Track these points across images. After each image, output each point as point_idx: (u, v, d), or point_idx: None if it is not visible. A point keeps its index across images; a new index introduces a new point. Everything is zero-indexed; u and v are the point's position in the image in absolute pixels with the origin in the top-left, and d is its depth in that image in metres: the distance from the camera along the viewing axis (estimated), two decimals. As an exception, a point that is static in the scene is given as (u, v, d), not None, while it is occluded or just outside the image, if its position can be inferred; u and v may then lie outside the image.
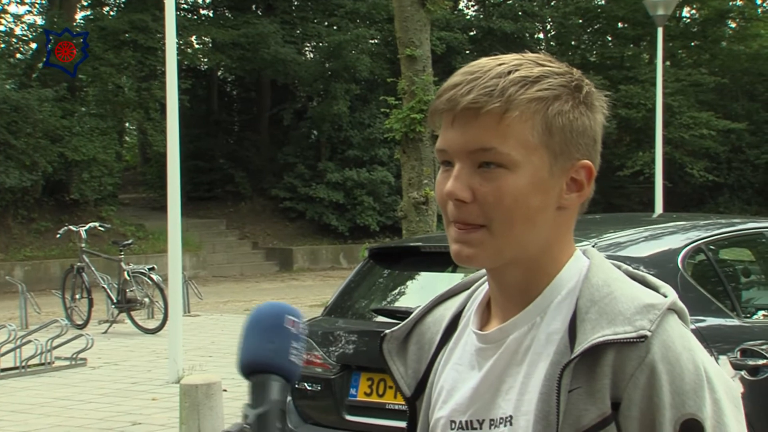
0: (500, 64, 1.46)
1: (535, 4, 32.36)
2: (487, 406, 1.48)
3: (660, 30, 19.86)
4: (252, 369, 1.40)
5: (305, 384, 5.13)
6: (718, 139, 29.55)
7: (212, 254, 24.60)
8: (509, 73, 1.44)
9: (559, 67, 1.49)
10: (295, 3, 29.65)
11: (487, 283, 1.57)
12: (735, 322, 4.66)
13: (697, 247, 4.73)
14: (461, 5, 32.47)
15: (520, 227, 1.44)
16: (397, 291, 5.37)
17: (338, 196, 26.68)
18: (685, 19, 32.96)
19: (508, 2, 32.21)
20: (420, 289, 5.31)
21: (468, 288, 1.64)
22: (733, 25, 35.17)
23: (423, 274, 5.35)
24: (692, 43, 33.67)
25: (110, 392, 10.01)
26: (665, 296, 1.45)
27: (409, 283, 5.40)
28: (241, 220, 27.45)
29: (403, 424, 5.02)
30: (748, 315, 4.91)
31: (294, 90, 29.91)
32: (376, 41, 29.23)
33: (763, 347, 4.61)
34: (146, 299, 14.33)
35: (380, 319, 5.03)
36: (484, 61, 1.48)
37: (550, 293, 1.47)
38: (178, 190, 10.66)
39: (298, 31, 28.88)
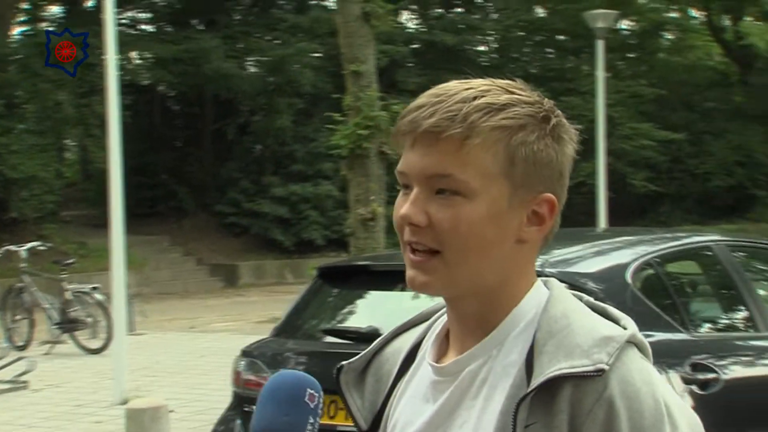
0: (467, 89, 1.42)
1: (476, 17, 32.57)
2: None
3: (601, 42, 20.05)
4: None
5: (254, 407, 5.05)
6: (659, 149, 29.93)
7: (156, 271, 24.33)
8: (475, 98, 1.40)
9: (529, 96, 1.45)
10: (237, 18, 29.54)
11: (445, 314, 1.53)
12: (684, 336, 4.68)
13: (645, 261, 4.76)
14: (403, 18, 32.57)
15: (475, 257, 1.40)
16: (347, 310, 5.33)
17: (283, 211, 26.57)
18: (623, 31, 33.34)
19: (449, 15, 32.39)
20: (370, 308, 5.27)
21: (427, 319, 1.60)
22: (670, 36, 35.73)
23: (373, 292, 5.32)
24: (631, 55, 34.10)
25: (53, 416, 9.82)
26: (625, 328, 1.41)
27: (359, 302, 5.36)
28: (184, 236, 27.21)
29: (354, 446, 4.97)
30: (697, 329, 4.94)
31: (237, 104, 29.76)
32: (318, 55, 29.19)
33: (713, 361, 4.63)
34: (89, 319, 14.10)
35: (331, 339, 4.99)
36: (451, 85, 1.45)
37: (508, 325, 1.44)
38: (121, 207, 10.53)
39: (240, 46, 28.75)
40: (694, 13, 36.15)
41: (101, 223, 27.10)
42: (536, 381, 1.36)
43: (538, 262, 4.39)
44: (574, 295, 1.48)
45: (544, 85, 30.69)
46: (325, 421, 4.76)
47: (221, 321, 18.07)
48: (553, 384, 1.35)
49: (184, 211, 27.98)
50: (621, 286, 4.58)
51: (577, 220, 31.23)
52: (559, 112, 1.47)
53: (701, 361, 4.58)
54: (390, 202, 11.87)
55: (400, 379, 1.56)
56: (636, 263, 4.71)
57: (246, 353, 5.21)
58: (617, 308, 4.35)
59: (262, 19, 28.77)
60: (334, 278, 5.37)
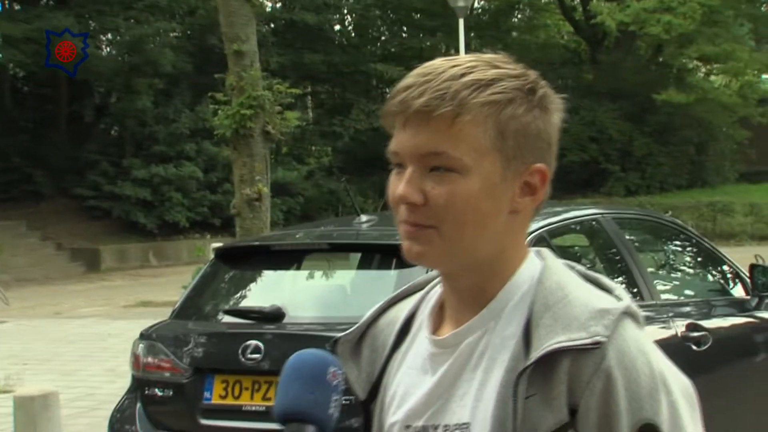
0: (453, 66, 1.43)
1: (334, -5, 32.62)
2: (442, 412, 1.47)
3: (461, 21, 20.35)
4: (290, 417, 1.38)
5: (155, 389, 5.02)
6: (517, 127, 30.62)
7: (13, 257, 23.58)
8: (462, 75, 1.42)
9: (514, 69, 1.47)
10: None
11: (440, 285, 1.56)
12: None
13: (539, 235, 4.90)
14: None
15: (471, 231, 1.42)
16: (247, 290, 5.33)
17: (145, 193, 26.11)
18: (477, 10, 33.91)
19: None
20: (269, 288, 5.29)
21: (421, 289, 1.62)
22: (520, 16, 36.55)
23: (271, 272, 5.33)
24: (487, 33, 34.70)
25: None
26: (619, 299, 1.45)
27: (258, 281, 5.36)
28: (42, 220, 26.44)
29: (259, 425, 5.01)
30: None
31: (93, 85, 29.03)
32: (177, 35, 28.73)
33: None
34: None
35: (232, 319, 4.98)
36: (438, 63, 1.46)
37: (504, 297, 1.46)
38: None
39: (94, 25, 28.03)
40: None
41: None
42: (535, 354, 1.38)
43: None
44: (567, 265, 1.52)
45: (403, 65, 31.00)
46: (230, 401, 4.79)
47: (87, 306, 17.70)
48: (552, 356, 1.37)
49: (41, 195, 27.20)
50: (517, 259, 4.71)
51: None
52: (544, 82, 1.49)
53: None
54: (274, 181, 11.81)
55: (396, 349, 1.58)
56: (530, 236, 4.85)
57: (145, 336, 5.16)
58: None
59: (118, -4, 28.08)
60: (231, 259, 5.36)
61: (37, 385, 6.66)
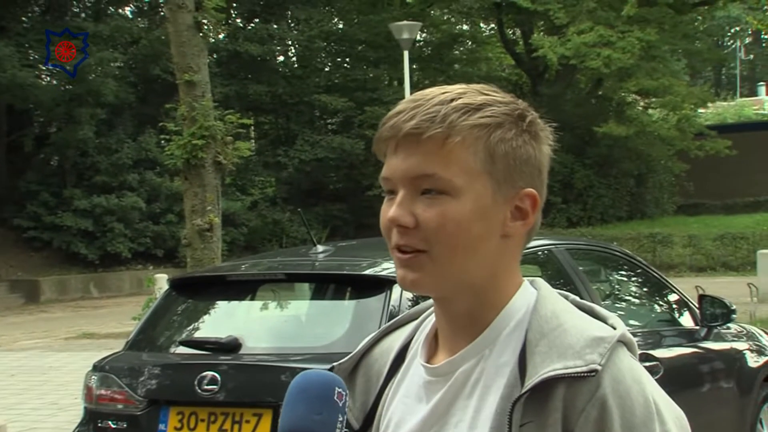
0: (444, 93, 1.46)
1: (276, 27, 32.63)
2: None
3: (406, 53, 20.50)
4: None
5: (109, 422, 4.95)
6: (459, 157, 30.83)
7: (-50, 289, 23.21)
8: (452, 100, 1.44)
9: (503, 96, 1.49)
10: (28, 25, 28.41)
11: (432, 314, 1.57)
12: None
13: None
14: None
15: (462, 254, 1.42)
16: (202, 321, 5.27)
17: (87, 224, 25.82)
18: (420, 42, 34.19)
19: (252, 25, 32.32)
20: (225, 318, 5.25)
21: (415, 318, 1.63)
22: (463, 48, 36.90)
23: (226, 303, 5.29)
24: (430, 66, 34.98)
25: None
26: (614, 328, 1.45)
27: (213, 312, 5.31)
28: (-20, 252, 26.03)
29: (214, 457, 4.90)
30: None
31: (32, 115, 28.70)
32: (119, 65, 28.54)
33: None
34: None
35: (187, 350, 4.93)
36: (428, 90, 1.48)
37: (499, 325, 1.46)
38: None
39: (35, 55, 27.75)
40: (484, 26, 37.51)
41: None
42: (530, 382, 1.38)
43: (388, 270, 4.48)
44: (561, 294, 1.54)
45: (347, 95, 31.17)
46: (185, 432, 4.73)
47: (27, 338, 17.39)
48: (547, 384, 1.38)
49: (-22, 225, 26.78)
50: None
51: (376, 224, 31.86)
52: (533, 111, 1.51)
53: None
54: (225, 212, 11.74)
55: (391, 379, 1.58)
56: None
57: (98, 368, 5.08)
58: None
59: (58, 27, 27.82)
60: (186, 289, 5.31)
61: (-15, 419, 6.54)
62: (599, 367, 1.37)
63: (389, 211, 1.45)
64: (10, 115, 28.19)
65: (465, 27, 36.86)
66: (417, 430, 1.50)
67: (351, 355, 1.65)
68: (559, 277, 5.51)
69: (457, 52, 36.70)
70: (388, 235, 1.46)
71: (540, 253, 5.49)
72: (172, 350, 5.08)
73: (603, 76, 31.05)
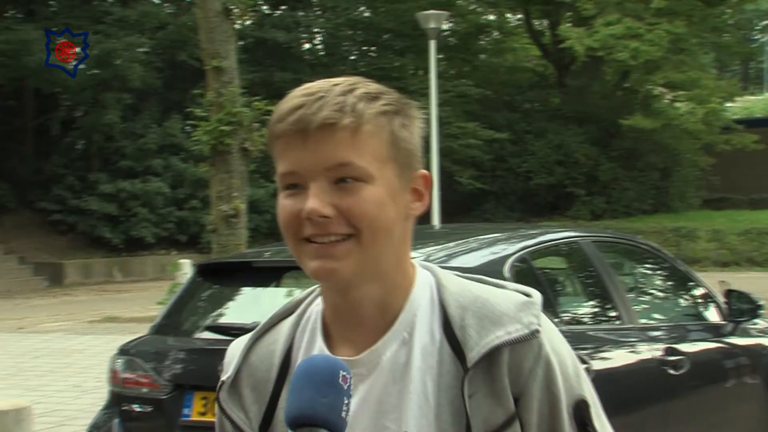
0: (338, 84, 1.48)
1: (302, 14, 32.63)
2: (373, 430, 1.48)
3: (432, 43, 20.44)
4: (303, 422, 1.37)
5: (134, 405, 4.98)
6: (484, 148, 30.74)
7: (-25, 271, 23.38)
8: (351, 90, 1.47)
9: (381, 86, 1.54)
10: (54, 9, 28.53)
11: (313, 306, 1.57)
12: (558, 329, 4.87)
13: (521, 256, 4.93)
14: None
15: (383, 238, 1.45)
16: (227, 306, 5.30)
17: (111, 208, 25.93)
18: (445, 32, 34.10)
19: (278, 13, 32.32)
20: (250, 304, 5.26)
21: (286, 317, 1.61)
22: (490, 39, 36.75)
23: (253, 289, 5.31)
24: (457, 56, 34.87)
25: None
26: (528, 294, 1.52)
27: (238, 298, 5.34)
28: (5, 234, 26.18)
29: (239, 442, 4.95)
30: (568, 322, 5.16)
31: (59, 99, 28.85)
32: (146, 50, 28.62)
33: (584, 353, 4.85)
34: None
35: (212, 336, 4.95)
36: (319, 83, 1.49)
37: (411, 308, 1.49)
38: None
39: (62, 40, 27.87)
40: (511, 16, 37.34)
41: None
42: (476, 354, 1.43)
43: (422, 257, 4.50)
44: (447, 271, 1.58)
45: (372, 84, 31.12)
46: (209, 418, 4.75)
47: (51, 321, 17.52)
48: (490, 354, 1.43)
49: (5, 208, 26.93)
50: (499, 279, 4.73)
51: (405, 217, 31.82)
52: (411, 100, 1.56)
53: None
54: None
55: (284, 382, 1.55)
56: (512, 258, 4.88)
57: (123, 351, 5.12)
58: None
59: (85, 11, 27.94)
60: (212, 275, 5.34)
61: (9, 400, 6.57)
62: (539, 327, 1.45)
63: (297, 205, 1.44)
64: (37, 99, 28.36)
65: (492, 17, 36.70)
66: (349, 425, 1.44)
67: (230, 369, 1.59)
68: (585, 269, 5.49)
69: (483, 42, 36.56)
70: (296, 228, 1.45)
71: (566, 245, 5.47)
72: (197, 335, 5.10)
73: (630, 68, 30.85)
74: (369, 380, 1.48)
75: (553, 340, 1.49)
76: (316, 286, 1.57)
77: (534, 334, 1.44)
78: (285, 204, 1.46)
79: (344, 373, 1.38)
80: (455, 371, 1.44)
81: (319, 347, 1.53)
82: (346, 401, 1.37)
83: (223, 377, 1.59)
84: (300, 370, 1.39)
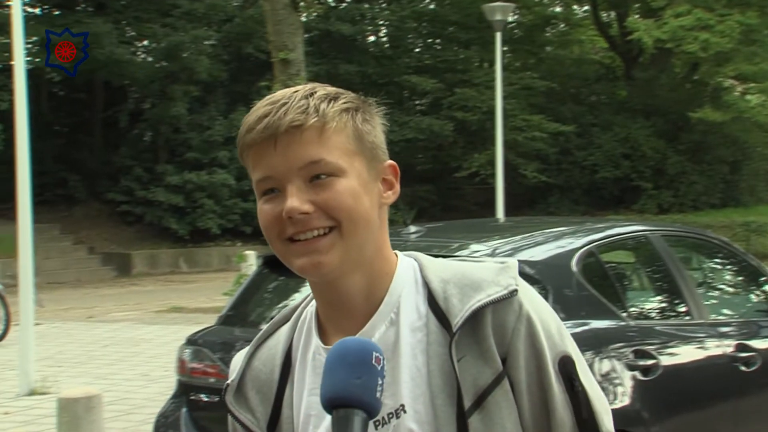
0: (297, 91, 1.56)
1: (368, 6, 32.64)
2: None
3: (498, 35, 20.34)
4: (338, 403, 1.39)
5: (201, 395, 5.03)
6: (549, 141, 30.51)
7: (46, 260, 23.70)
8: (311, 94, 1.55)
9: (339, 88, 1.62)
10: (123, 2, 28.88)
11: (309, 308, 1.64)
12: (626, 323, 4.82)
13: (588, 250, 4.88)
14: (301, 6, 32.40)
15: (363, 226, 1.52)
16: (292, 298, 5.31)
17: (178, 199, 26.22)
18: (511, 24, 33.89)
19: (344, 5, 32.38)
20: (316, 297, 5.28)
21: (284, 323, 1.68)
22: (555, 31, 36.43)
23: (318, 280, 5.32)
24: (522, 48, 34.64)
25: (-42, 408, 9.56)
26: (502, 262, 1.59)
27: (303, 290, 5.34)
28: (75, 224, 26.62)
29: None
30: (637, 316, 5.09)
31: (128, 91, 29.23)
32: (213, 42, 28.87)
33: (652, 348, 4.79)
34: (-15, 309, 13.73)
35: (278, 327, 4.98)
36: (281, 92, 1.58)
37: (395, 290, 1.57)
38: (29, 196, 10.31)
39: (132, 32, 28.26)
40: (577, 8, 36.97)
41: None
42: (460, 318, 1.51)
43: (488, 250, 4.47)
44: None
45: (437, 77, 31.04)
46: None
47: (119, 310, 17.77)
48: (475, 317, 1.51)
49: (74, 199, 27.37)
50: (566, 274, 4.70)
51: (470, 210, 31.63)
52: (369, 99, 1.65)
53: (642, 348, 4.73)
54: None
55: (286, 381, 1.63)
56: (580, 252, 4.83)
57: (191, 342, 5.17)
58: (563, 296, 4.47)
59: (155, 4, 28.26)
60: (277, 266, 5.35)
61: (80, 388, 6.68)
62: (517, 287, 1.53)
63: (279, 205, 1.51)
64: (106, 91, 28.76)
65: (558, 9, 36.39)
66: None
67: (235, 373, 1.68)
68: (653, 264, 5.42)
69: (549, 34, 36.26)
70: (279, 229, 1.53)
71: (634, 239, 5.40)
72: (263, 326, 5.12)
73: (700, 60, 30.39)
74: None
75: (533, 299, 1.55)
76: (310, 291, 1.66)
77: (512, 294, 1.51)
78: (264, 208, 1.53)
79: (377, 354, 1.41)
80: (443, 339, 1.51)
81: (315, 343, 1.60)
82: (380, 381, 1.41)
83: (227, 381, 1.68)
84: (333, 353, 1.43)
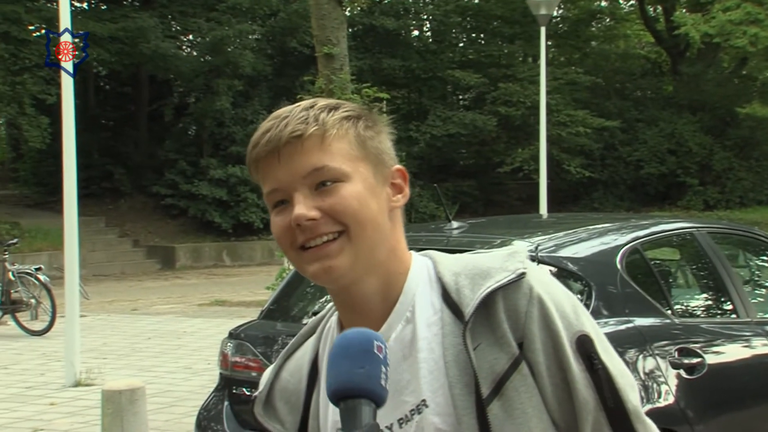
0: (298, 106, 1.60)
1: (412, 1, 32.58)
2: (392, 410, 1.54)
3: (543, 29, 20.21)
4: (344, 394, 1.41)
5: (243, 389, 5.05)
6: (593, 136, 30.29)
7: (91, 252, 23.95)
8: (312, 106, 1.59)
9: (340, 101, 1.66)
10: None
11: (332, 319, 1.67)
12: (671, 321, 4.77)
13: (633, 247, 4.83)
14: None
15: (371, 230, 1.55)
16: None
17: (221, 193, 26.36)
18: (556, 18, 33.67)
19: (387, 0, 32.36)
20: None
21: (311, 335, 1.73)
22: (601, 25, 36.16)
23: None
24: (567, 42, 34.43)
25: (5, 398, 9.68)
26: (511, 248, 1.62)
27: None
28: (121, 217, 26.86)
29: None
30: (682, 314, 5.04)
31: (173, 85, 29.42)
32: (257, 37, 28.97)
33: (698, 346, 4.74)
34: (32, 300, 13.91)
35: (320, 322, 4.98)
36: (285, 108, 1.62)
37: (409, 289, 1.59)
38: (75, 189, 10.41)
39: (177, 27, 28.43)
40: (623, 2, 36.65)
41: (33, 204, 26.77)
42: (471, 307, 1.52)
43: (531, 247, 4.43)
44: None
45: (481, 71, 30.92)
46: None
47: (163, 303, 17.92)
48: (486, 304, 1.52)
49: (119, 192, 27.61)
50: (611, 270, 4.66)
51: (513, 206, 31.48)
52: (372, 109, 1.68)
53: (687, 346, 4.68)
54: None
55: (312, 392, 1.67)
56: (624, 248, 4.79)
57: (233, 335, 5.19)
58: (607, 293, 4.41)
59: (199, -1, 28.43)
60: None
61: (124, 380, 6.74)
62: (525, 269, 1.54)
63: (289, 215, 1.54)
64: (152, 85, 28.97)
65: (604, 3, 36.11)
66: None
67: (263, 385, 1.72)
68: (699, 261, 5.35)
69: (594, 28, 36.01)
70: (290, 239, 1.56)
71: (679, 236, 5.34)
72: (304, 321, 5.12)
73: (748, 55, 30.02)
74: None
75: (544, 280, 1.56)
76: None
77: (520, 277, 1.52)
78: (276, 220, 1.57)
79: (378, 343, 1.43)
80: (457, 330, 1.53)
81: None
82: (384, 369, 1.42)
83: (255, 393, 1.73)
84: (335, 346, 1.45)
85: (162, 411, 8.92)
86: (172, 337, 13.45)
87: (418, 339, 1.55)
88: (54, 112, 20.87)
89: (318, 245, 1.52)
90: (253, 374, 5.02)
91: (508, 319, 1.52)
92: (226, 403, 5.13)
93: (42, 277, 13.77)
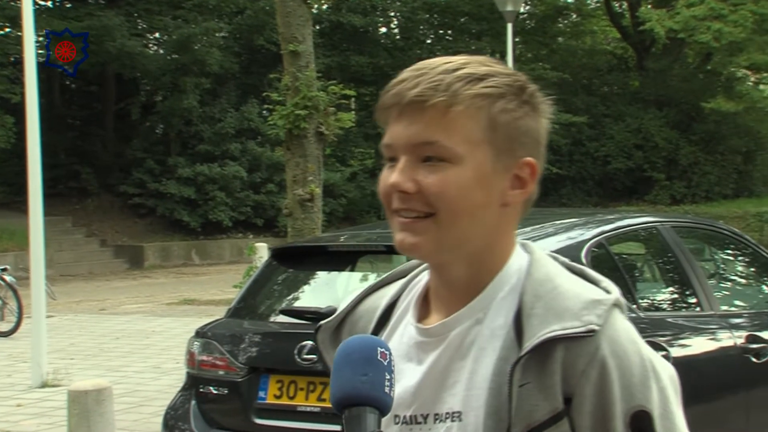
0: (447, 62, 1.48)
1: (380, -1, 32.61)
2: (432, 401, 1.50)
3: (510, 26, 20.28)
4: (348, 402, 1.37)
5: (210, 387, 5.03)
6: (561, 132, 30.41)
7: (58, 252, 23.80)
8: (455, 70, 1.46)
9: (504, 68, 1.51)
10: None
11: (425, 274, 1.59)
12: (636, 315, 4.80)
13: (598, 241, 4.86)
14: (310, -1, 32.40)
15: (465, 221, 1.45)
16: (302, 291, 5.32)
17: (189, 192, 26.26)
18: (523, 15, 33.74)
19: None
20: (324, 288, 5.28)
21: (403, 277, 1.65)
22: (567, 21, 36.30)
23: (327, 273, 5.33)
24: (534, 39, 34.54)
25: (-29, 400, 9.59)
26: (608, 291, 1.48)
27: (313, 282, 5.36)
28: (88, 217, 26.69)
29: (314, 426, 4.98)
30: (646, 308, 5.07)
31: (140, 84, 29.25)
32: (224, 35, 28.86)
33: (663, 340, 4.77)
34: (-2, 301, 13.80)
35: (287, 319, 4.98)
36: (432, 60, 1.51)
37: (494, 289, 1.49)
38: (40, 189, 10.33)
39: (143, 25, 28.26)
40: (589, -1, 36.84)
41: None
42: (530, 343, 1.41)
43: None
44: (552, 256, 1.54)
45: (449, 68, 30.96)
46: (285, 401, 4.78)
47: (131, 303, 17.82)
48: (546, 346, 1.41)
49: (87, 191, 27.43)
50: (576, 265, 4.67)
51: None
52: (533, 84, 1.53)
53: (653, 340, 4.71)
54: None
55: (379, 332, 1.60)
56: (590, 243, 4.81)
57: (200, 334, 5.17)
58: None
59: (166, -4, 28.27)
60: (287, 259, 5.35)
61: (91, 380, 6.69)
62: (597, 328, 1.41)
63: (390, 177, 1.47)
64: (118, 84, 28.80)
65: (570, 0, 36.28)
66: (411, 393, 1.51)
67: (336, 312, 1.66)
68: (664, 255, 5.39)
69: (561, 25, 36.15)
70: (388, 201, 1.48)
71: (644, 230, 5.38)
72: (272, 319, 5.13)
73: (712, 50, 30.23)
74: (436, 351, 1.50)
75: (618, 342, 1.42)
76: None
77: (590, 333, 1.40)
78: (383, 176, 1.49)
79: (382, 350, 1.39)
80: (512, 356, 1.44)
81: (412, 312, 1.56)
82: (388, 377, 1.38)
83: (323, 321, 1.66)
84: (338, 353, 1.41)
85: (130, 411, 8.87)
86: (140, 336, 13.38)
87: (478, 347, 1.47)
88: (19, 112, 20.69)
89: (408, 219, 1.45)
90: (221, 373, 5.01)
91: (563, 371, 1.41)
92: (193, 402, 5.10)
93: (8, 278, 13.66)
